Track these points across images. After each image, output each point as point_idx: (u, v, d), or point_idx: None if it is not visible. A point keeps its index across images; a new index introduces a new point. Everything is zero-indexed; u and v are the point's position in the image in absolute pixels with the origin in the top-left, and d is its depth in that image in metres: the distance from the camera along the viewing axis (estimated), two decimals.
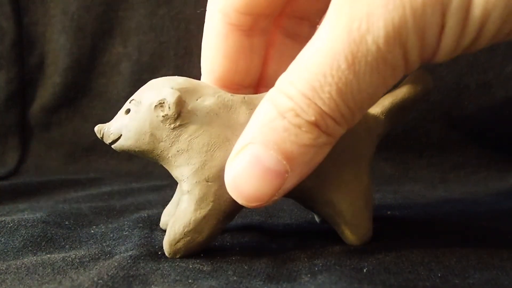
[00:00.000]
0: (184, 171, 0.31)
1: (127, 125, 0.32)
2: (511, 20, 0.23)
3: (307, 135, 0.26)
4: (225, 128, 0.32)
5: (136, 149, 0.32)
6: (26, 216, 0.41)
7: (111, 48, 0.73)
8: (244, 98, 0.34)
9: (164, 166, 0.33)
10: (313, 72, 0.25)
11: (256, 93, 0.37)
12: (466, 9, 0.22)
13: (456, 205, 0.49)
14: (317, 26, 0.39)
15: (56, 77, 0.73)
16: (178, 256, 0.32)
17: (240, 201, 0.28)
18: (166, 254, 0.32)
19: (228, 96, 0.33)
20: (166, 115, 0.31)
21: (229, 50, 0.34)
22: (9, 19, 0.71)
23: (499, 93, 0.66)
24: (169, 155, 0.32)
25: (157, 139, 0.32)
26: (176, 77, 0.34)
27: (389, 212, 0.45)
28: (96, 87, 0.73)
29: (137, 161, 0.68)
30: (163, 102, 0.31)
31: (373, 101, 0.26)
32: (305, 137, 0.26)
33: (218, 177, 0.31)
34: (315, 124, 0.26)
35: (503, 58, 0.66)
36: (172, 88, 0.32)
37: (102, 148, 0.71)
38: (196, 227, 0.31)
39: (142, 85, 0.34)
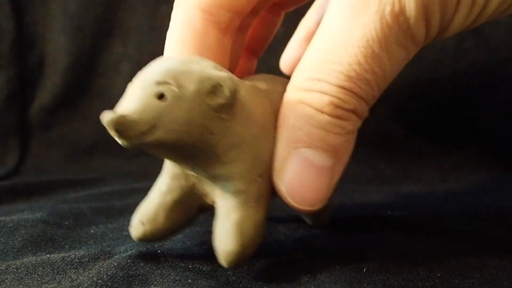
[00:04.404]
0: (235, 168, 0.26)
1: (166, 115, 0.24)
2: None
3: (349, 123, 0.26)
4: (264, 118, 0.28)
5: (177, 144, 0.25)
6: (25, 216, 0.41)
7: (111, 48, 0.72)
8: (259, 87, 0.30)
9: (196, 164, 0.27)
10: (346, 63, 0.25)
11: None
12: None
13: (456, 205, 0.49)
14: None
15: (56, 77, 0.73)
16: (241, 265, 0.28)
17: (304, 208, 0.27)
18: (230, 265, 0.27)
19: (249, 84, 0.29)
20: (223, 103, 0.25)
21: (207, 48, 0.31)
22: (9, 19, 0.71)
23: (499, 93, 0.66)
24: (219, 150, 0.26)
25: (208, 131, 0.25)
26: (198, 57, 0.28)
27: (389, 212, 0.45)
28: (96, 87, 0.73)
29: (137, 161, 0.68)
30: (219, 87, 0.25)
31: (395, 76, 0.27)
32: (347, 125, 0.26)
33: (267, 173, 0.28)
34: (354, 111, 0.26)
35: (503, 58, 0.66)
36: (221, 71, 0.26)
37: (102, 148, 0.71)
38: (262, 230, 0.28)
39: None
